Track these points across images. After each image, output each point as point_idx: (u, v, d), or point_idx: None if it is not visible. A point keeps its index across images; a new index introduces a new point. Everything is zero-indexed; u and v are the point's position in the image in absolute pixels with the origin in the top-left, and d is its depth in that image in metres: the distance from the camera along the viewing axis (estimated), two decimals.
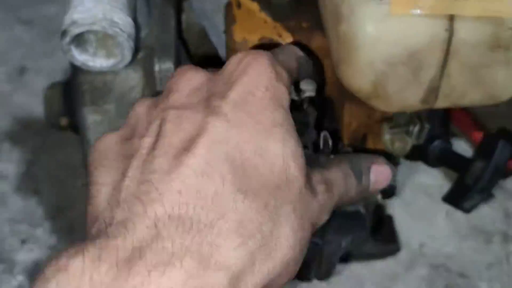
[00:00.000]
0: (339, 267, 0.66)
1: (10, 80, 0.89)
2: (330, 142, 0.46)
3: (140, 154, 0.31)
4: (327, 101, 0.50)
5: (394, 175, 0.53)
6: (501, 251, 0.68)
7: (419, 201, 0.72)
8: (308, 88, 0.44)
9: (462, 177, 0.53)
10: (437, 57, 0.38)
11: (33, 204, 0.74)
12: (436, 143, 0.56)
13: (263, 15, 0.49)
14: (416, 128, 0.48)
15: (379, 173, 0.40)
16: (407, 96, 0.41)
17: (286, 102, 0.35)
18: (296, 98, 0.44)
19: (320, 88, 0.48)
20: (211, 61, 0.59)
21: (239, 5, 0.49)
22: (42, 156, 0.79)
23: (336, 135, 0.51)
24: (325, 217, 0.35)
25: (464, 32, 0.38)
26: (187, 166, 0.29)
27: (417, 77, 0.39)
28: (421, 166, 0.73)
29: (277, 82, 0.34)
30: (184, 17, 0.60)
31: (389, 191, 0.56)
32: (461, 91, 0.41)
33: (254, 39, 0.48)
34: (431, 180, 0.73)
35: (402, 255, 0.67)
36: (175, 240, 0.27)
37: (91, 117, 0.50)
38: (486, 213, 0.71)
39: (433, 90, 0.40)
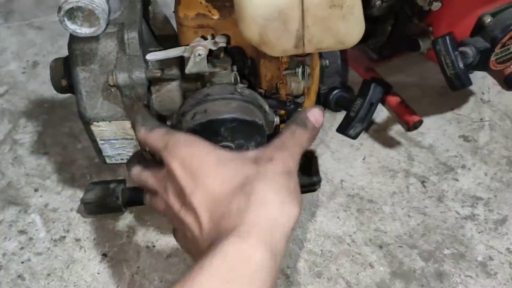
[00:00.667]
0: None
1: (25, 72, 1.09)
2: (239, 79, 0.65)
3: None
4: (239, 52, 0.69)
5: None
6: (403, 183, 0.86)
7: (343, 150, 0.91)
8: (221, 41, 0.64)
9: (348, 113, 0.71)
10: (297, 13, 0.56)
11: (44, 162, 0.93)
12: (334, 92, 0.75)
13: None
14: (300, 70, 0.66)
15: (314, 114, 0.59)
16: (283, 42, 0.58)
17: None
18: (214, 48, 0.64)
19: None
20: (172, 39, 0.78)
21: None
22: (50, 128, 0.98)
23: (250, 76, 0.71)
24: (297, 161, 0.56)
25: None
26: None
27: (287, 28, 0.57)
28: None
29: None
30: (151, 8, 0.80)
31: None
32: (319, 38, 0.58)
33: (192, 14, 0.66)
34: None
35: (326, 188, 0.86)
36: None
37: (81, 74, 0.69)
38: (394, 156, 0.90)
39: (300, 38, 0.58)
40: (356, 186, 0.86)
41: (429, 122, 0.93)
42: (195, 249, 0.54)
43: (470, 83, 0.72)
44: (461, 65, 0.71)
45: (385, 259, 0.78)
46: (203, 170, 0.53)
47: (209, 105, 0.63)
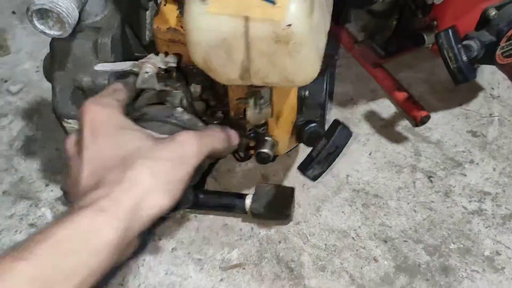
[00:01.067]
0: None
1: (39, 71, 1.11)
2: (185, 101, 0.65)
3: None
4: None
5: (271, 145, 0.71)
6: (409, 179, 0.86)
7: (349, 145, 0.90)
8: (171, 60, 0.63)
9: (311, 152, 0.67)
10: (241, 44, 0.52)
11: (55, 158, 0.94)
12: (309, 126, 0.70)
13: (177, 12, 0.65)
14: (252, 101, 0.63)
15: (233, 133, 0.65)
16: (228, 71, 0.55)
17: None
18: (163, 67, 0.63)
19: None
20: None
21: (165, 3, 0.66)
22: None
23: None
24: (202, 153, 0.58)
25: (254, 29, 0.51)
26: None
27: (231, 58, 0.53)
28: (350, 121, 0.92)
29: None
30: (148, 13, 0.80)
31: (265, 159, 0.72)
32: (264, 72, 0.54)
33: (164, 28, 0.66)
34: (360, 131, 0.92)
35: (332, 183, 0.85)
36: None
37: (57, 71, 0.71)
38: (400, 152, 0.89)
39: (246, 70, 0.54)
40: (362, 181, 0.86)
41: (437, 117, 0.93)
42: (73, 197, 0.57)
43: (474, 76, 0.72)
44: (464, 58, 0.70)
45: (390, 253, 0.78)
46: (103, 130, 0.55)
47: (142, 125, 0.62)
